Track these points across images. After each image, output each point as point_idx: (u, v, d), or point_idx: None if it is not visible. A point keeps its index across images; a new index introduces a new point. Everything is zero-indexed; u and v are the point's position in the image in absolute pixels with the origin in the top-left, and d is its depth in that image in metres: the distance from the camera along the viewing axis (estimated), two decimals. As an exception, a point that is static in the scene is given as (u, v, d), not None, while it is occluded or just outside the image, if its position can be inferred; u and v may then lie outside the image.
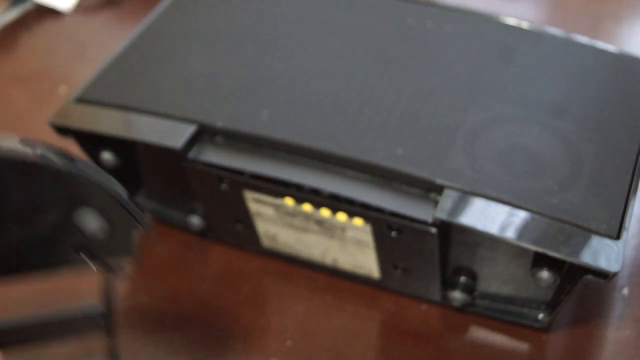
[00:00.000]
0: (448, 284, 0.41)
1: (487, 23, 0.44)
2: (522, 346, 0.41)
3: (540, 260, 0.37)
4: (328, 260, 0.44)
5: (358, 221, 0.39)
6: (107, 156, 0.43)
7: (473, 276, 0.41)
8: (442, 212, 0.35)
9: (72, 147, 0.44)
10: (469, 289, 0.41)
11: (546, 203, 0.35)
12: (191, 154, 0.40)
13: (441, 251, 0.38)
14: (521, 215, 0.35)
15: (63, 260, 0.34)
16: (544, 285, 0.38)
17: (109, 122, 0.41)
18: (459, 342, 0.42)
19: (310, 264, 0.45)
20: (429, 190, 0.37)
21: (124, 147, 0.44)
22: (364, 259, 0.42)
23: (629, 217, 0.35)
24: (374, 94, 0.41)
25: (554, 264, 0.36)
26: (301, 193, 0.39)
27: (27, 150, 0.30)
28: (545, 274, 0.37)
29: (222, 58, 0.44)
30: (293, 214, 0.41)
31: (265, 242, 0.45)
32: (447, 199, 0.36)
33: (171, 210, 0.48)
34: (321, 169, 0.38)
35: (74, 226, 0.32)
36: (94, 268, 0.34)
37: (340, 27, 0.45)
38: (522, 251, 0.39)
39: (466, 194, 0.36)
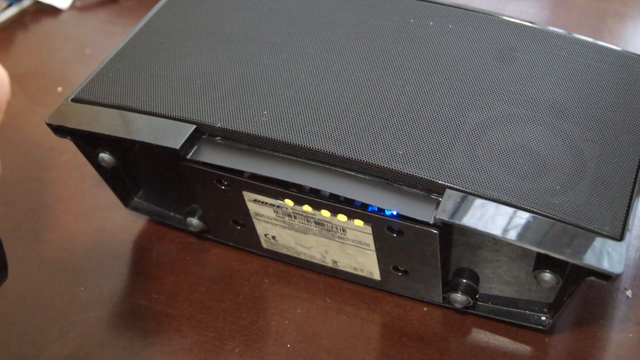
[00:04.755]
0: (450, 285, 0.41)
1: (489, 22, 0.44)
2: (525, 348, 0.41)
3: (542, 262, 0.37)
4: (328, 261, 0.43)
5: (358, 222, 0.38)
6: (104, 156, 0.43)
7: (475, 278, 0.41)
8: (443, 212, 0.35)
9: (70, 146, 0.44)
10: (471, 291, 0.40)
11: (549, 204, 0.35)
12: (190, 155, 0.40)
13: (442, 252, 0.38)
14: (523, 216, 0.35)
15: None
16: (546, 287, 0.37)
17: (106, 122, 0.41)
18: (461, 344, 0.41)
19: (310, 266, 0.45)
20: (430, 190, 0.36)
21: (122, 148, 0.44)
22: (364, 260, 0.41)
23: (632, 218, 0.35)
24: (375, 94, 0.40)
25: (556, 266, 0.36)
26: (301, 194, 0.39)
27: None
28: (547, 276, 0.36)
29: (221, 57, 0.43)
30: (293, 215, 0.41)
31: (265, 243, 0.45)
32: (449, 200, 0.35)
33: (170, 212, 0.48)
34: (321, 169, 0.38)
35: None
36: None
37: (341, 26, 0.45)
38: (525, 252, 0.38)
39: (468, 195, 0.36)
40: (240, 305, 0.44)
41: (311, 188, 0.38)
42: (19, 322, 0.45)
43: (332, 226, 0.40)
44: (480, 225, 0.34)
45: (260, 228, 0.43)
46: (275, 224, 0.42)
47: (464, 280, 0.41)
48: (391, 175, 0.37)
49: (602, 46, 0.42)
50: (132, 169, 0.47)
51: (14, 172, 0.54)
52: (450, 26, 0.44)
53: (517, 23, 0.44)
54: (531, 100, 0.39)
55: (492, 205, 0.35)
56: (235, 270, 0.46)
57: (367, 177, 0.37)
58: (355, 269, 0.43)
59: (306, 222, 0.41)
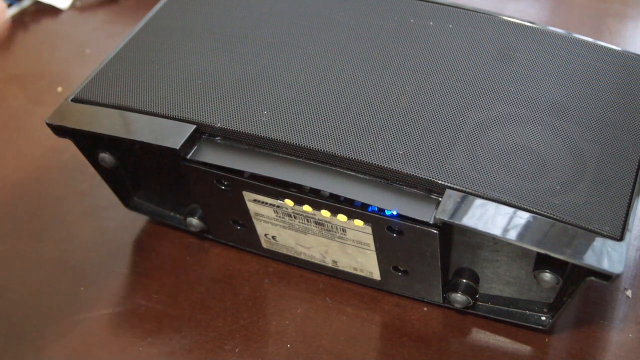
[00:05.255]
0: (450, 285, 0.41)
1: (489, 22, 0.44)
2: (525, 348, 0.41)
3: (542, 262, 0.37)
4: (328, 261, 0.43)
5: (358, 222, 0.38)
6: (104, 156, 0.43)
7: (475, 278, 0.41)
8: (443, 212, 0.35)
9: (70, 147, 0.44)
10: (471, 291, 0.40)
11: (549, 204, 0.35)
12: (190, 155, 0.40)
13: (442, 252, 0.38)
14: (523, 216, 0.35)
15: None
16: (546, 287, 0.37)
17: (106, 122, 0.41)
18: (461, 344, 0.41)
19: (310, 266, 0.45)
20: (430, 190, 0.36)
21: (122, 148, 0.44)
22: (364, 260, 0.41)
23: (632, 218, 0.35)
24: (375, 94, 0.40)
25: (556, 266, 0.36)
26: (301, 194, 0.39)
27: None
28: (547, 276, 0.36)
29: (221, 57, 0.43)
30: (293, 215, 0.41)
31: (265, 243, 0.45)
32: (449, 200, 0.35)
33: (170, 212, 0.48)
34: (321, 169, 0.38)
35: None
36: None
37: (341, 25, 0.45)
38: (525, 252, 0.38)
39: (468, 195, 0.36)
40: (240, 305, 0.44)
41: (311, 188, 0.38)
42: (19, 322, 0.45)
43: (332, 226, 0.40)
44: (480, 225, 0.34)
45: (260, 228, 0.43)
46: (275, 224, 0.42)
47: (464, 280, 0.41)
48: (391, 175, 0.37)
49: (602, 46, 0.42)
50: (132, 169, 0.47)
51: (14, 172, 0.54)
52: (450, 26, 0.44)
53: (517, 23, 0.44)
54: (531, 100, 0.39)
55: (492, 205, 0.35)
56: (235, 270, 0.46)
57: (367, 177, 0.37)
58: (355, 269, 0.43)
59: (306, 222, 0.41)
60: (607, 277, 0.33)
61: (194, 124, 0.40)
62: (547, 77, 0.41)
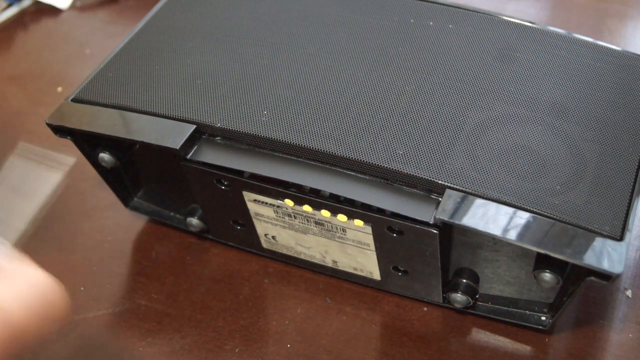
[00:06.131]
0: (450, 285, 0.41)
1: (489, 22, 0.44)
2: (525, 348, 0.41)
3: (542, 262, 0.37)
4: (328, 261, 0.43)
5: (358, 222, 0.38)
6: (104, 156, 0.43)
7: (475, 278, 0.41)
8: (443, 212, 0.35)
9: (70, 147, 0.44)
10: (471, 291, 0.40)
11: (549, 204, 0.35)
12: (190, 155, 0.40)
13: (442, 252, 0.38)
14: (523, 216, 0.35)
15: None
16: (546, 287, 0.37)
17: (106, 122, 0.41)
18: (461, 344, 0.41)
19: (310, 266, 0.45)
20: (430, 190, 0.36)
21: (122, 148, 0.44)
22: (364, 260, 0.41)
23: (632, 218, 0.35)
24: (375, 94, 0.40)
25: (556, 266, 0.36)
26: (301, 194, 0.39)
27: None
28: (547, 276, 0.36)
29: (221, 57, 0.43)
30: (293, 215, 0.41)
31: (265, 243, 0.45)
32: (449, 200, 0.35)
33: (170, 212, 0.48)
34: (321, 169, 0.38)
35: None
36: None
37: (341, 25, 0.45)
38: (525, 252, 0.38)
39: (468, 195, 0.36)
40: (240, 305, 0.44)
41: (311, 188, 0.38)
42: (19, 322, 0.45)
43: (332, 226, 0.40)
44: (480, 225, 0.34)
45: (260, 228, 0.43)
46: (275, 224, 0.42)
47: (464, 280, 0.41)
48: (391, 175, 0.37)
49: (602, 46, 0.42)
50: (132, 169, 0.47)
51: (14, 172, 0.54)
52: (450, 26, 0.44)
53: (517, 23, 0.44)
54: (531, 100, 0.39)
55: (492, 205, 0.35)
56: (235, 270, 0.46)
57: (367, 177, 0.37)
58: (355, 269, 0.43)
59: (306, 222, 0.41)
60: (607, 277, 0.33)
61: (194, 124, 0.40)
62: (547, 77, 0.41)
